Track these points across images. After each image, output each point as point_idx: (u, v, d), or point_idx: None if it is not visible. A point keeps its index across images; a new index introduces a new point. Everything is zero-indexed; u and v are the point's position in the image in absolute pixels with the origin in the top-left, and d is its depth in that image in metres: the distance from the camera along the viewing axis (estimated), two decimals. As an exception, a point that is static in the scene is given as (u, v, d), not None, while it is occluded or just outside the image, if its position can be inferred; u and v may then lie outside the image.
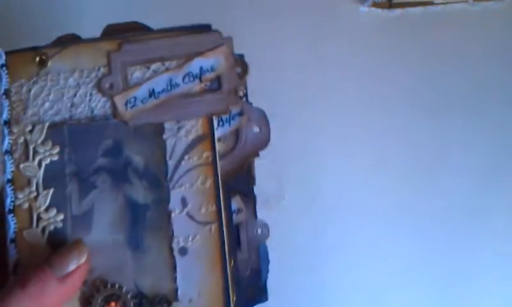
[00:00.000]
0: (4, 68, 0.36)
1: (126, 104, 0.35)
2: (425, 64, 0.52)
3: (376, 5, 0.52)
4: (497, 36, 0.53)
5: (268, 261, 0.36)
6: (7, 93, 0.36)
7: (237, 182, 0.35)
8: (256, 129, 0.36)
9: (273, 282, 0.36)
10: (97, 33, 0.37)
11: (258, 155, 0.36)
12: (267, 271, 0.36)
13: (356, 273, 0.49)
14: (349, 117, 0.50)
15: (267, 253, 0.36)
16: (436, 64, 0.52)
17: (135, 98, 0.35)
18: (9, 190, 0.35)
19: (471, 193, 0.50)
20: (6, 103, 0.36)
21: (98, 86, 0.35)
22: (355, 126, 0.51)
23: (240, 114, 0.36)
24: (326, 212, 0.49)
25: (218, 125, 0.35)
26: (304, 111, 0.49)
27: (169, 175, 0.35)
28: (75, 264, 0.33)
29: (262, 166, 0.37)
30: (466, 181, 0.51)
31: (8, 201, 0.35)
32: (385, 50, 0.52)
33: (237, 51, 0.36)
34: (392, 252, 0.49)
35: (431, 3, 0.52)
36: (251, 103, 0.36)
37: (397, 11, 0.51)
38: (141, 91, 0.35)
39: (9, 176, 0.35)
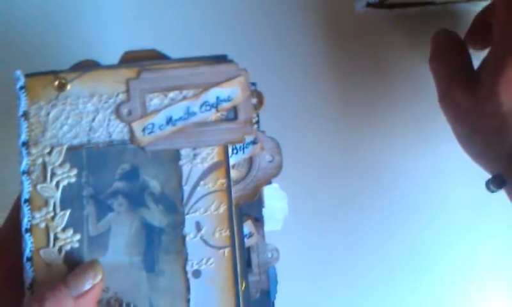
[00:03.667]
0: (23, 91, 0.37)
1: (144, 130, 0.37)
2: (424, 63, 0.51)
3: (369, 6, 0.52)
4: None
5: (277, 282, 0.37)
6: (25, 114, 0.37)
7: (248, 207, 0.37)
8: (268, 157, 0.37)
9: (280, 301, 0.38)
10: (115, 60, 0.38)
11: (270, 183, 0.37)
12: (276, 292, 0.37)
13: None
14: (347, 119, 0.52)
15: (276, 275, 0.38)
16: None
17: (152, 125, 0.36)
18: (26, 209, 0.36)
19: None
20: (24, 124, 0.37)
21: (117, 112, 0.37)
22: (353, 128, 0.52)
23: (254, 142, 0.37)
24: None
25: (232, 152, 0.37)
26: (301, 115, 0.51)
27: (184, 200, 0.36)
28: (90, 284, 0.35)
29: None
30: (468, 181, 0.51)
31: (25, 220, 0.36)
32: (385, 50, 0.52)
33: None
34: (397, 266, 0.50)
35: (431, 3, 0.52)
36: (264, 132, 0.37)
37: (397, 11, 0.52)
38: (159, 118, 0.37)
39: (26, 196, 0.36)
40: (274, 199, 0.39)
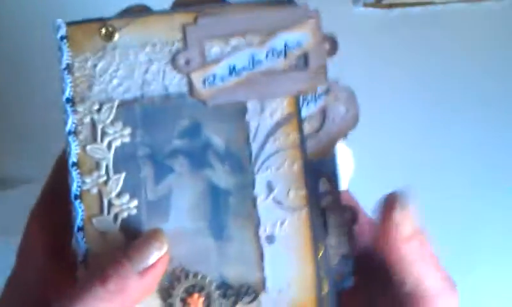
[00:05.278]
0: (65, 41, 0.33)
1: (204, 82, 0.33)
2: (424, 64, 0.52)
3: (366, 5, 0.51)
4: (497, 36, 0.52)
5: (356, 245, 0.34)
6: (69, 67, 0.33)
7: (322, 164, 0.33)
8: (343, 109, 0.34)
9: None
10: (166, 5, 0.34)
11: (346, 137, 0.34)
12: (354, 255, 0.34)
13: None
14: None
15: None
16: (434, 64, 0.52)
17: (214, 76, 0.33)
18: (75, 174, 0.32)
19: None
20: (68, 78, 0.33)
21: (173, 62, 0.33)
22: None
23: (327, 92, 0.34)
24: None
25: (302, 104, 0.33)
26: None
27: (253, 158, 0.33)
28: (156, 256, 0.31)
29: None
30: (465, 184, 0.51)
31: (74, 186, 0.32)
32: (384, 50, 0.51)
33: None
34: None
35: (431, 3, 0.51)
36: (337, 81, 0.34)
37: (397, 11, 0.51)
38: (221, 68, 0.33)
39: (74, 159, 0.33)
40: (339, 156, 0.35)
